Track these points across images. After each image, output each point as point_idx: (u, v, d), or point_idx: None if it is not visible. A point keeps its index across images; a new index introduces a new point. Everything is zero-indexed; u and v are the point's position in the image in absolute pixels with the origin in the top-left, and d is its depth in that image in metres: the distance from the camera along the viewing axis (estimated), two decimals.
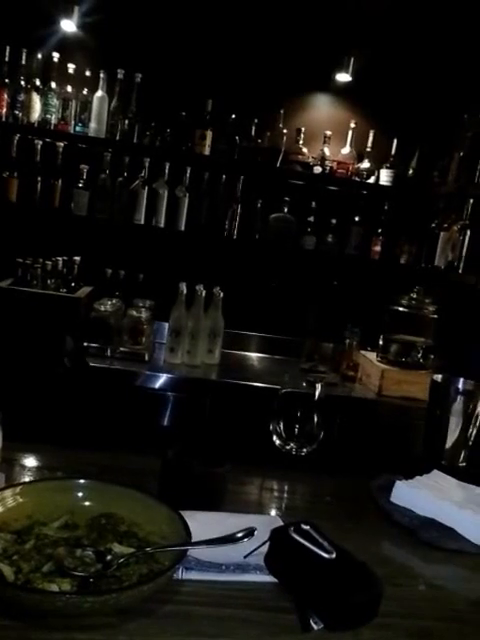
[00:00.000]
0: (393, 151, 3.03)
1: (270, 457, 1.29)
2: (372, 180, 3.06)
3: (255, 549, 0.88)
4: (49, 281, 2.76)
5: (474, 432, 1.32)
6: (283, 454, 1.30)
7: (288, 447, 1.29)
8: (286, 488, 1.26)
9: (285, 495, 1.25)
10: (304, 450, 1.30)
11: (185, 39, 2.96)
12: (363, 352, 2.83)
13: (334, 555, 0.83)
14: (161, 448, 1.09)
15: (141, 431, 2.32)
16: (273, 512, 1.14)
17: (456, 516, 1.07)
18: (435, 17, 2.90)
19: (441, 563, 1.03)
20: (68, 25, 2.86)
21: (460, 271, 2.64)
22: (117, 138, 2.89)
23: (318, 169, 3.00)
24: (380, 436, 2.44)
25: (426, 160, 3.02)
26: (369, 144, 3.05)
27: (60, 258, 2.80)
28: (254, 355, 3.10)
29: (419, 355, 2.65)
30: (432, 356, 2.68)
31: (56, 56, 2.87)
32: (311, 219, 3.06)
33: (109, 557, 0.80)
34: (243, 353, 3.09)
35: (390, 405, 2.56)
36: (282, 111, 2.99)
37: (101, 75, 2.88)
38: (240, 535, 0.84)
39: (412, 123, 3.03)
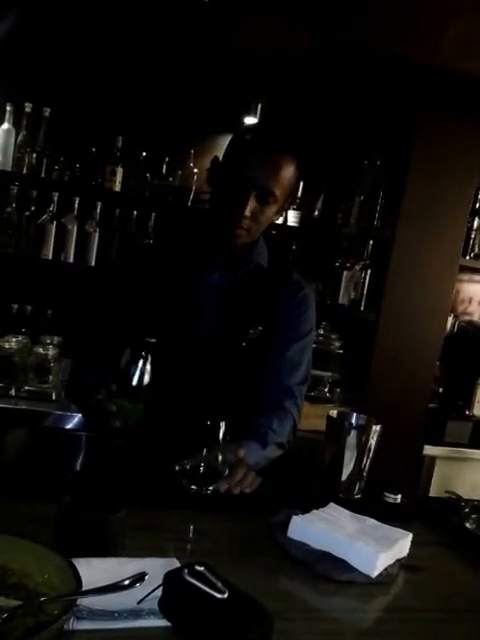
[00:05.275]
0: (300, 193, 3.16)
1: (177, 495, 1.28)
2: (280, 221, 3.16)
3: (149, 594, 0.88)
4: None
5: (367, 464, 1.38)
6: (189, 493, 1.29)
7: (193, 486, 1.29)
8: (189, 528, 1.25)
9: (189, 536, 1.24)
10: (210, 488, 1.30)
11: (96, 75, 2.97)
12: None
13: (226, 594, 0.84)
14: (67, 493, 1.06)
15: (49, 474, 2.23)
16: (173, 555, 1.13)
17: (347, 548, 1.11)
18: (338, 69, 3.08)
19: (333, 595, 1.06)
20: None
21: (362, 308, 2.78)
22: (24, 172, 2.85)
23: None
24: (289, 470, 2.47)
25: (331, 202, 3.17)
26: None
27: None
28: None
29: (326, 389, 2.74)
30: (338, 389, 2.78)
31: None
32: None
33: None
34: None
35: (300, 439, 2.60)
36: (192, 151, 3.06)
37: (8, 108, 2.84)
38: (128, 582, 0.83)
39: (317, 167, 3.17)
